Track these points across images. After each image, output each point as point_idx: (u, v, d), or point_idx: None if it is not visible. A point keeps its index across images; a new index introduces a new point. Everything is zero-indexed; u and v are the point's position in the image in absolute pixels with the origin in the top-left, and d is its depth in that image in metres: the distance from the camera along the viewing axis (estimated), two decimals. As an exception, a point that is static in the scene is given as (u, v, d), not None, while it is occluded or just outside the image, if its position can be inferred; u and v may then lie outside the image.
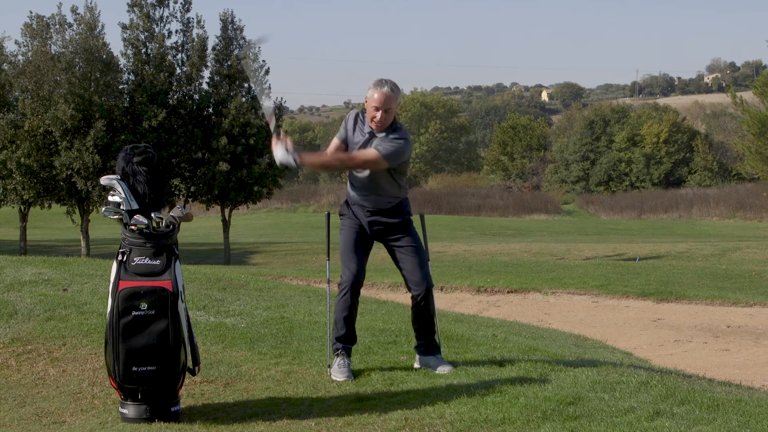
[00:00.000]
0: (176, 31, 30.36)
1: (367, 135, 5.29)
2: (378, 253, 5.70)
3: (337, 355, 5.39)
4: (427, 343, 5.53)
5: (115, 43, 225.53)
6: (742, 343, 9.75)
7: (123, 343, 4.49)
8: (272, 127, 5.22)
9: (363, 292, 5.66)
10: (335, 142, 5.48)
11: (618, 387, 4.84)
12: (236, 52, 30.92)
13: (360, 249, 5.38)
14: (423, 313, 5.48)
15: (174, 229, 4.72)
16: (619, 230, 43.24)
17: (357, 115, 5.40)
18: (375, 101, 5.20)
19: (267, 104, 5.72)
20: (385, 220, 5.41)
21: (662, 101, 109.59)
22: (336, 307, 5.39)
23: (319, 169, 5.57)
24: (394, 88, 5.23)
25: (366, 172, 5.32)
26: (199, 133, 29.72)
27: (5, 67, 29.15)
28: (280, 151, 5.11)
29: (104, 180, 4.79)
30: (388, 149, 5.20)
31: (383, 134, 5.26)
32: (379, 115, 5.20)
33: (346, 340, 5.40)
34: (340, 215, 5.55)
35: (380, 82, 5.24)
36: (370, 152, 5.21)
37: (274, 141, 5.16)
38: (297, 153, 5.09)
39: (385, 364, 5.63)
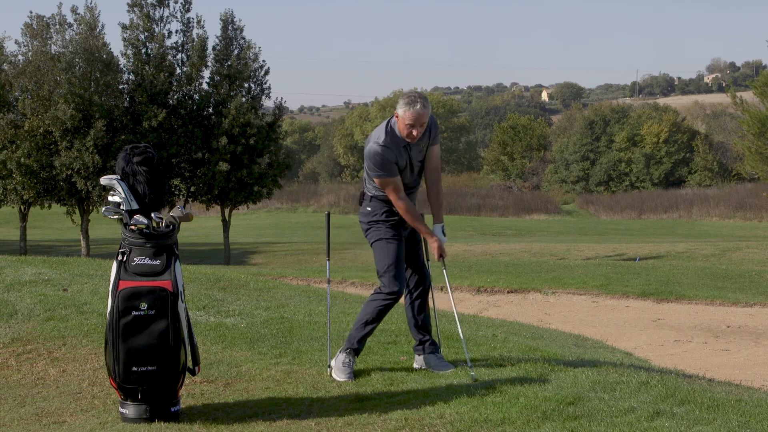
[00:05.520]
0: (176, 31, 30.35)
1: (404, 149, 5.38)
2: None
3: (347, 353, 5.36)
4: (427, 342, 5.53)
5: (115, 43, 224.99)
6: (742, 343, 9.75)
7: (123, 343, 4.49)
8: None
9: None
10: (397, 180, 5.39)
11: (618, 387, 4.84)
12: (236, 52, 30.94)
13: (404, 260, 5.46)
14: (422, 307, 5.53)
15: (174, 229, 4.72)
16: (619, 230, 43.20)
17: (387, 145, 5.31)
18: (409, 119, 5.24)
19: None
20: None
21: (662, 101, 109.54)
22: (370, 310, 5.35)
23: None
24: (426, 103, 5.29)
25: (417, 184, 5.61)
26: (199, 133, 29.72)
27: (5, 67, 29.13)
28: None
29: (104, 180, 4.79)
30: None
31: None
32: (414, 132, 5.28)
33: (361, 343, 5.42)
34: (376, 222, 5.43)
35: (412, 101, 5.26)
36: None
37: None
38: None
39: (385, 364, 5.63)
